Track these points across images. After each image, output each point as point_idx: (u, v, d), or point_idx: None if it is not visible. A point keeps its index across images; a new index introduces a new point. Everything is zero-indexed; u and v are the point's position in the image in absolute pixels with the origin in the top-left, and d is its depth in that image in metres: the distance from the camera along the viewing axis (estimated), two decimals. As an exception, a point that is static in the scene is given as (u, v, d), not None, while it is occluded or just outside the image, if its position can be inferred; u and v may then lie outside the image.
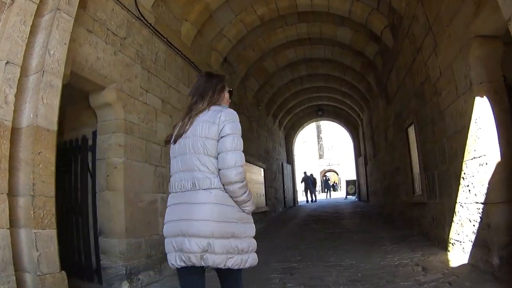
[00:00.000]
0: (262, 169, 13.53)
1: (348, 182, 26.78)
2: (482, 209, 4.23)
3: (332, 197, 29.57)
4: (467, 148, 4.55)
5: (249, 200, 2.43)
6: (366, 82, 13.19)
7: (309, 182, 25.46)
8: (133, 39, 5.68)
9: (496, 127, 4.11)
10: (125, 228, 5.08)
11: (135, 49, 5.72)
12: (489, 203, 4.09)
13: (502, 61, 4.36)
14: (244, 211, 2.42)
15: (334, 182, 44.32)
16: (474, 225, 4.46)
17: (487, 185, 4.11)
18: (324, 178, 38.12)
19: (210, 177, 2.32)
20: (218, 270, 2.37)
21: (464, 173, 4.66)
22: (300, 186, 26.55)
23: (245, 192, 2.38)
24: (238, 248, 2.30)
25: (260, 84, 13.42)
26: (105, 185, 5.10)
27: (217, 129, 2.36)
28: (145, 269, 5.34)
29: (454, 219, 5.09)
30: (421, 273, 4.52)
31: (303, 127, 22.20)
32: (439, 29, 5.13)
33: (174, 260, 2.33)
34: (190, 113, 2.47)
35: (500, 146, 4.06)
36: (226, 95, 2.68)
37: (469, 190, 4.54)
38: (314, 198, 25.41)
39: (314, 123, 57.44)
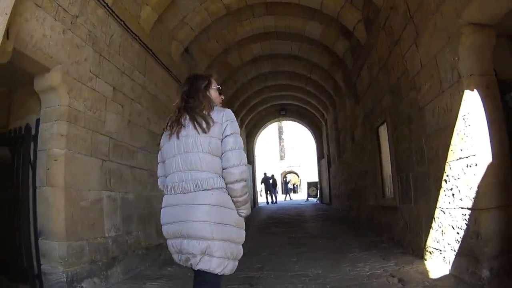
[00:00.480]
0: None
1: (310, 184, 26.59)
2: (469, 215, 3.83)
3: (292, 199, 29.25)
4: (451, 147, 4.15)
5: (247, 202, 2.43)
6: (333, 81, 12.87)
7: (269, 183, 25.14)
8: (86, 18, 4.99)
9: (488, 125, 3.72)
10: (65, 229, 4.41)
11: (87, 30, 5.03)
12: (479, 209, 3.69)
13: (493, 54, 3.99)
14: (240, 215, 2.40)
15: (294, 184, 44.25)
16: (458, 233, 4.06)
17: (476, 189, 3.71)
18: (284, 179, 37.84)
19: (213, 177, 2.29)
20: (199, 273, 2.29)
21: (447, 175, 4.26)
22: (260, 187, 26.18)
23: (246, 192, 2.40)
24: (232, 253, 2.31)
25: (223, 79, 12.80)
26: (45, 180, 4.44)
27: (220, 128, 2.34)
28: (89, 276, 4.67)
29: (433, 225, 4.69)
30: (398, 286, 4.08)
31: (266, 126, 21.75)
32: (422, 17, 4.73)
33: (179, 260, 2.35)
34: (187, 112, 2.43)
35: (491, 146, 3.68)
36: (216, 93, 2.67)
37: (453, 194, 4.14)
38: (274, 200, 25.08)
39: (277, 123, 58.02)
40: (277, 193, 26.73)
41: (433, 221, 4.67)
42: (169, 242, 2.40)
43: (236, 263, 2.38)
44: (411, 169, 5.43)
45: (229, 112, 2.45)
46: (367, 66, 7.79)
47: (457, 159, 4.03)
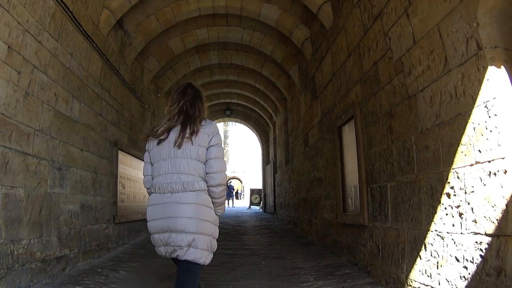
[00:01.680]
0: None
1: (253, 191, 25.38)
2: (488, 244, 2.65)
3: (234, 205, 27.82)
4: (461, 148, 2.97)
5: (223, 203, 2.87)
6: (287, 78, 11.72)
7: None
8: None
9: (525, 116, 2.57)
10: None
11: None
12: (505, 235, 2.51)
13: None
14: (216, 214, 2.81)
15: (237, 190, 42.96)
16: (466, 267, 2.88)
17: (503, 207, 2.53)
18: (227, 185, 36.37)
19: (198, 180, 2.68)
20: (180, 263, 2.63)
21: (452, 187, 3.08)
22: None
23: (224, 195, 2.86)
24: (211, 246, 2.72)
25: (162, 67, 11.28)
26: None
27: (207, 138, 2.73)
28: None
29: (422, 254, 3.50)
30: None
31: (209, 127, 20.32)
32: (421, -25, 3.57)
33: (164, 252, 2.67)
34: (187, 121, 2.73)
35: (531, 146, 2.52)
36: (206, 106, 3.00)
37: (461, 214, 2.96)
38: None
39: (222, 127, 56.95)
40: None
41: (423, 248, 3.48)
42: (156, 236, 2.68)
43: (212, 255, 2.74)
44: (390, 178, 4.25)
45: (215, 125, 2.87)
46: (331, 54, 6.63)
47: (471, 164, 2.85)
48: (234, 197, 28.16)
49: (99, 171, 6.81)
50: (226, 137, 57.95)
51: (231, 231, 10.24)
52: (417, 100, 3.70)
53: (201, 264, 2.64)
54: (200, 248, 2.59)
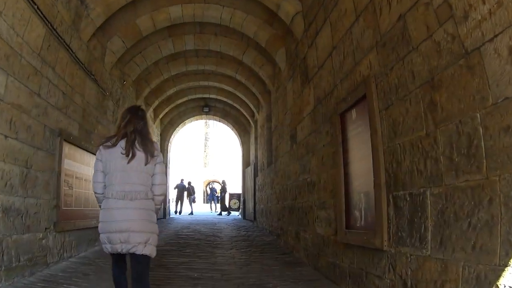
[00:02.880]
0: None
1: (232, 196, 23.79)
2: None
3: (217, 210, 25.65)
4: None
5: (159, 209, 3.54)
6: (271, 65, 10.28)
7: (183, 191, 22.42)
8: None
9: None
10: None
11: None
12: None
13: None
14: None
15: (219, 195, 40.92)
16: None
17: None
18: (209, 187, 33.61)
19: (146, 190, 3.16)
20: (136, 257, 3.07)
21: None
22: (174, 195, 23.12)
23: (163, 202, 3.61)
24: (156, 242, 3.20)
25: (128, 49, 9.72)
26: None
27: (155, 157, 3.22)
28: None
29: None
30: None
31: (185, 124, 18.68)
32: None
33: (120, 249, 3.04)
34: (128, 141, 3.16)
35: None
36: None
37: None
38: (191, 210, 22.32)
39: (204, 129, 55.42)
40: (194, 202, 23.63)
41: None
42: (112, 235, 3.04)
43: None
44: (432, 181, 2.81)
45: (158, 146, 3.44)
46: (330, 24, 5.20)
47: None
48: (217, 201, 26.01)
49: (33, 166, 5.30)
50: (206, 139, 56.41)
51: (202, 242, 8.71)
52: (483, 55, 2.29)
53: (151, 256, 3.15)
54: (153, 244, 3.12)
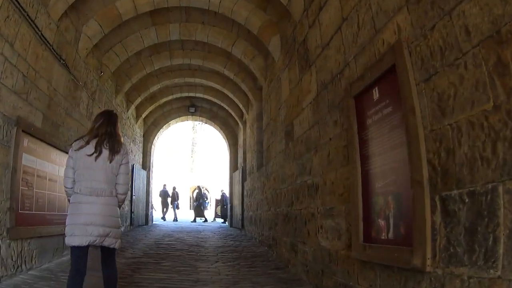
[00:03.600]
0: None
1: (218, 202, 22.80)
2: None
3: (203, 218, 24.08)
4: None
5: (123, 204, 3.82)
6: (263, 57, 9.41)
7: (166, 196, 21.62)
8: None
9: None
10: None
11: None
12: None
13: None
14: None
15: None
16: None
17: None
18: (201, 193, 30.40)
19: (112, 188, 3.46)
20: (104, 249, 3.44)
21: None
22: (158, 200, 22.15)
23: (125, 200, 3.80)
24: (119, 235, 3.50)
25: (106, 36, 8.76)
26: None
27: (121, 158, 3.52)
28: None
29: None
30: None
31: (169, 126, 17.65)
32: None
33: (83, 241, 3.25)
34: (98, 142, 3.46)
35: None
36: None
37: None
38: (174, 217, 21.28)
39: (191, 133, 54.42)
40: (178, 208, 22.53)
41: None
42: (77, 227, 3.26)
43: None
44: (506, 172, 1.93)
45: (127, 148, 3.81)
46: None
47: None
48: (204, 208, 23.99)
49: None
50: (193, 144, 55.36)
51: (184, 253, 7.72)
52: None
53: (117, 248, 3.53)
54: (114, 237, 3.41)
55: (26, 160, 5.42)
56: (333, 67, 4.51)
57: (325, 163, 4.61)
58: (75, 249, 3.30)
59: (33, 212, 5.62)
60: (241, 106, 13.36)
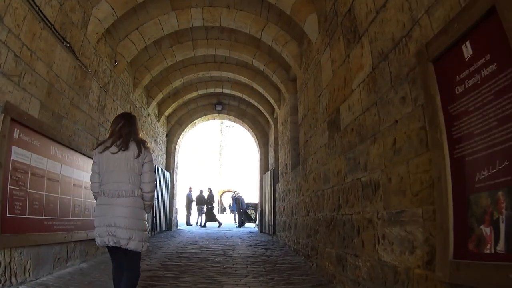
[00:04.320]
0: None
1: (248, 206, 21.89)
2: None
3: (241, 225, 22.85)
4: None
5: (151, 206, 3.74)
6: (298, 40, 8.42)
7: (191, 201, 21.12)
8: None
9: None
10: None
11: None
12: None
13: None
14: (146, 212, 3.65)
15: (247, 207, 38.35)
16: None
17: None
18: (232, 197, 27.71)
19: (135, 188, 3.47)
20: (128, 252, 3.39)
21: None
22: (185, 205, 21.38)
23: (153, 199, 3.71)
24: (145, 238, 3.45)
25: (120, 21, 8.01)
26: None
27: (143, 156, 3.55)
28: None
29: None
30: None
31: (195, 125, 16.82)
32: None
33: (108, 241, 3.34)
34: (123, 141, 3.55)
35: None
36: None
37: None
38: (201, 222, 20.53)
39: (219, 136, 53.88)
40: (203, 213, 21.65)
41: None
42: (101, 229, 3.35)
43: (148, 243, 3.59)
44: None
45: (149, 146, 3.69)
46: None
47: None
48: (244, 214, 21.67)
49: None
50: (221, 147, 54.75)
51: (209, 265, 6.77)
52: None
53: (139, 251, 3.44)
54: (139, 240, 3.39)
55: (17, 154, 4.58)
56: (395, 30, 3.47)
57: (390, 153, 3.55)
58: (108, 249, 3.50)
59: (26, 216, 4.77)
60: (272, 101, 12.39)
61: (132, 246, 3.33)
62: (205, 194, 20.74)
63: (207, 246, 9.62)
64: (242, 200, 21.58)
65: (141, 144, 3.59)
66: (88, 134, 7.18)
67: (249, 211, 21.85)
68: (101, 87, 7.85)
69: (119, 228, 3.29)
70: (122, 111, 9.36)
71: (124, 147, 3.49)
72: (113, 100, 8.63)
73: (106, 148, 3.50)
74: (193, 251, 8.56)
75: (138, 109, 10.88)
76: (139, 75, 10.56)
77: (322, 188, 6.04)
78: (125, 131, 3.59)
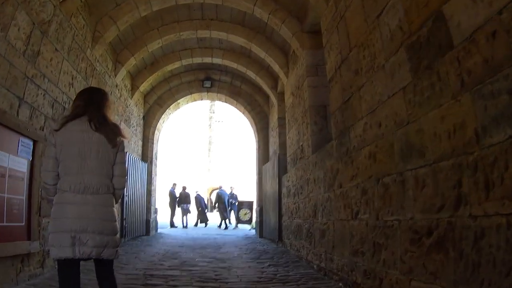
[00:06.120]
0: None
1: (241, 204, 19.24)
2: None
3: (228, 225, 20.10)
4: None
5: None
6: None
7: (175, 199, 18.65)
8: None
9: None
10: None
11: None
12: None
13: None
14: None
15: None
16: None
17: None
18: (231, 195, 23.78)
19: (108, 183, 2.86)
20: (99, 262, 2.81)
21: None
22: (168, 203, 18.85)
23: (120, 197, 3.12)
24: (118, 242, 2.90)
25: None
26: None
27: (118, 144, 2.93)
28: None
29: None
30: None
31: (178, 105, 14.02)
32: None
33: (75, 253, 2.64)
34: (95, 119, 2.87)
35: None
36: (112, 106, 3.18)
37: None
38: (186, 223, 18.07)
39: (207, 131, 51.56)
40: (189, 212, 19.04)
41: None
42: (67, 235, 2.65)
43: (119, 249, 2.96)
44: None
45: (122, 129, 3.06)
46: None
47: None
48: (228, 212, 19.32)
49: None
50: (210, 142, 52.29)
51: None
52: None
53: (113, 259, 2.88)
54: (113, 247, 2.85)
55: None
56: None
57: None
58: (64, 264, 2.70)
59: None
60: (276, 68, 9.75)
61: (107, 254, 2.77)
62: (190, 192, 18.36)
63: (191, 262, 6.95)
64: (225, 195, 19.06)
65: (116, 129, 2.97)
66: (3, 89, 4.54)
67: (243, 211, 19.18)
68: (34, 23, 5.19)
69: (93, 234, 2.70)
70: (72, 70, 6.83)
71: (98, 125, 2.85)
72: (56, 50, 5.95)
73: (66, 122, 2.84)
74: (169, 271, 5.87)
75: (100, 74, 8.20)
76: (102, 27, 7.87)
77: (398, 170, 3.41)
78: (92, 109, 2.93)
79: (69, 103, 6.49)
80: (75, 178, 2.75)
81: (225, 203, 18.81)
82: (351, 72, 4.67)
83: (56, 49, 5.94)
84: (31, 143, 5.02)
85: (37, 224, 5.13)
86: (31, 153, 5.02)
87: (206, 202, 19.90)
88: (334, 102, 5.34)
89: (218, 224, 19.10)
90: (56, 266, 2.78)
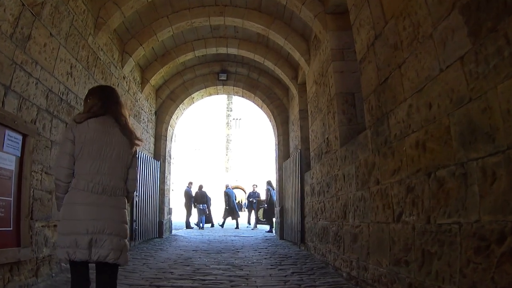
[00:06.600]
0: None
1: (260, 203, 18.59)
2: None
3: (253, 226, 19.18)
4: None
5: None
6: None
7: (190, 198, 18.04)
8: None
9: None
10: None
11: None
12: None
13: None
14: None
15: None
16: None
17: None
18: (254, 193, 20.67)
19: (124, 186, 2.84)
20: (104, 268, 2.67)
21: None
22: (184, 204, 18.37)
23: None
24: (128, 248, 2.82)
25: None
26: None
27: (133, 148, 2.92)
28: None
29: None
30: None
31: (193, 100, 13.50)
32: None
33: (89, 256, 2.56)
34: (120, 119, 2.86)
35: None
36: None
37: None
38: (202, 224, 17.58)
39: (225, 131, 51.13)
40: (206, 213, 18.52)
41: None
42: (83, 237, 2.56)
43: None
44: None
45: (140, 134, 3.19)
46: None
47: None
48: (234, 211, 19.16)
49: None
50: (228, 141, 51.93)
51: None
52: None
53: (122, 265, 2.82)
54: (126, 251, 2.80)
55: None
56: None
57: None
58: (77, 266, 2.64)
59: None
60: (297, 55, 9.08)
61: (122, 260, 2.71)
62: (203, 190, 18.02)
63: (205, 270, 6.36)
64: (231, 194, 18.64)
65: (133, 133, 2.93)
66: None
67: (261, 211, 18.51)
68: (24, 4, 4.65)
69: (110, 236, 2.63)
70: (70, 58, 6.24)
71: (123, 127, 2.85)
72: (51, 35, 5.40)
73: (88, 118, 2.75)
74: (179, 282, 5.27)
75: (105, 64, 7.65)
76: (105, 13, 7.33)
77: (457, 160, 2.72)
78: (116, 109, 2.91)
79: (67, 94, 5.93)
80: (93, 177, 2.69)
81: (233, 203, 18.45)
82: (388, 48, 4.00)
83: (51, 33, 5.39)
84: (20, 137, 4.47)
85: (28, 229, 4.58)
86: (19, 149, 4.46)
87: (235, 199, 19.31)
88: (367, 85, 4.66)
89: (220, 223, 19.05)
90: (64, 267, 2.70)
